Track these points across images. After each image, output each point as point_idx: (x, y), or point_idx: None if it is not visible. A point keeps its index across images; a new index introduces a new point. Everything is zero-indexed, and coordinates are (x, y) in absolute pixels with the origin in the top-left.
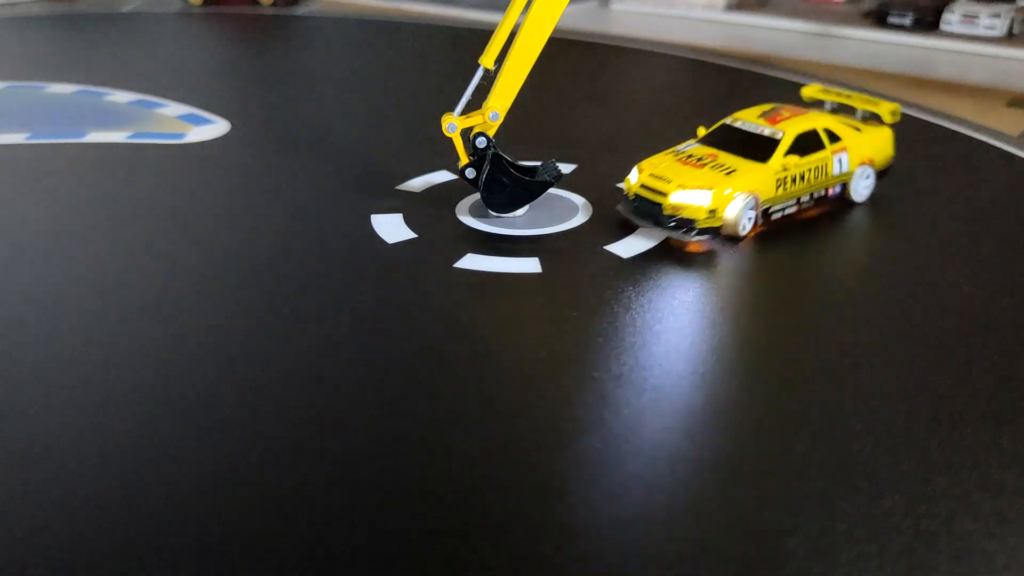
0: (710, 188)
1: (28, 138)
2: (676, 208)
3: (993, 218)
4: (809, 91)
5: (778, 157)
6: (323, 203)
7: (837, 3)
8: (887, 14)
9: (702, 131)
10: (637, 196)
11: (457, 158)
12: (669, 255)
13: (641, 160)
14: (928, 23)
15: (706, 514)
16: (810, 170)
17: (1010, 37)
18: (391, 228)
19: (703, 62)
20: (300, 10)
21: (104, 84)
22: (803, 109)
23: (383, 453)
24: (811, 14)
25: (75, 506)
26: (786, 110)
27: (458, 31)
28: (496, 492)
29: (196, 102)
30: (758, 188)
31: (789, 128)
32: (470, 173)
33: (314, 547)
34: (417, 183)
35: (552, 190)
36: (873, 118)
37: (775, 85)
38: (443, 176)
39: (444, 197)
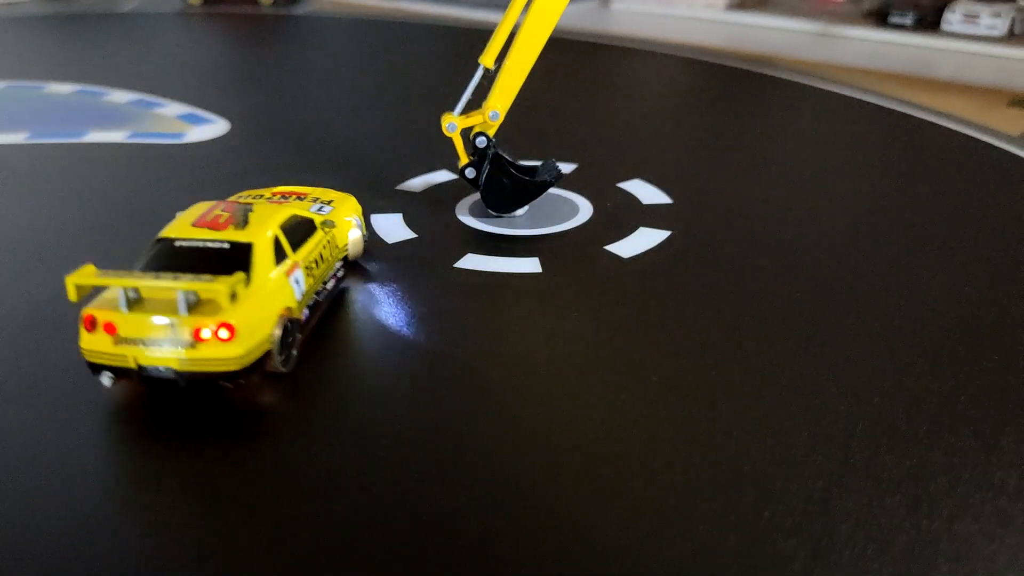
0: None
1: (28, 138)
2: None
3: (994, 218)
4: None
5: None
6: None
7: (838, 2)
8: (888, 13)
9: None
10: None
11: (457, 158)
12: (671, 255)
13: None
14: (929, 22)
15: (706, 516)
16: None
17: (1011, 37)
18: (391, 228)
19: (704, 62)
20: (300, 10)
21: (103, 84)
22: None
23: (379, 454)
24: (812, 13)
25: (74, 504)
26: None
27: (458, 31)
28: (495, 491)
29: (195, 102)
30: None
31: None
32: (470, 173)
33: (310, 545)
34: (417, 183)
35: (552, 190)
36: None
37: (776, 85)
38: (443, 176)
39: (444, 197)
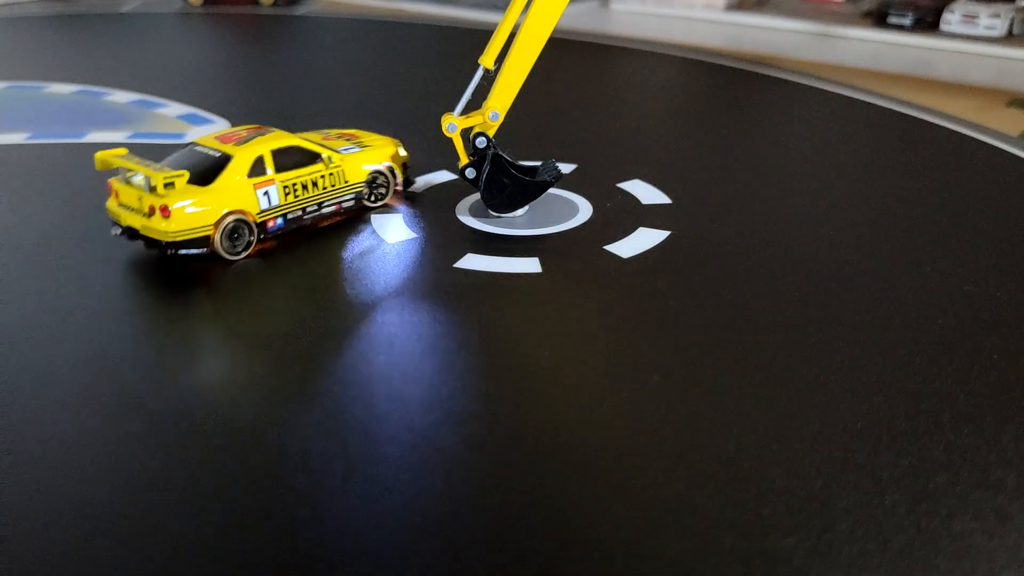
0: None
1: (28, 138)
2: None
3: (993, 218)
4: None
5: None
6: None
7: (837, 3)
8: (887, 14)
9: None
10: None
11: (457, 158)
12: (670, 255)
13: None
14: (928, 23)
15: (707, 513)
16: None
17: (1010, 37)
18: (391, 228)
19: (703, 62)
20: (300, 10)
21: (104, 84)
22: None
23: (381, 453)
24: (811, 14)
25: (81, 504)
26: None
27: (458, 31)
28: (497, 488)
29: (196, 102)
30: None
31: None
32: (470, 173)
33: (314, 544)
34: (417, 183)
35: (552, 190)
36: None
37: (775, 85)
38: (443, 176)
39: (444, 197)
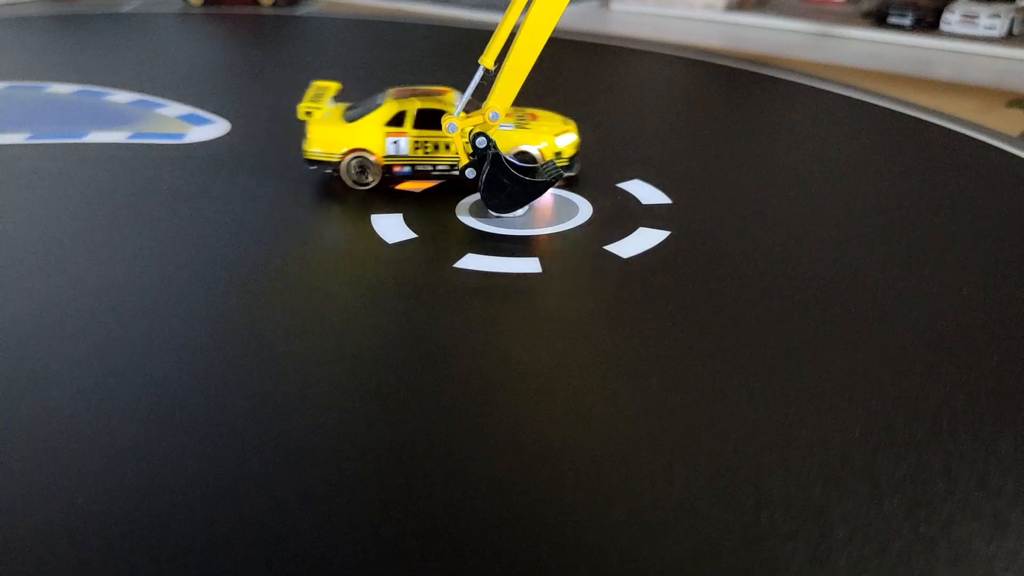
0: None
1: (28, 138)
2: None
3: (992, 219)
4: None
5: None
6: (323, 203)
7: (837, 3)
8: (887, 14)
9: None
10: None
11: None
12: (670, 255)
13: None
14: (928, 23)
15: (704, 518)
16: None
17: (1010, 37)
18: (391, 228)
19: (703, 62)
20: (300, 10)
21: (104, 84)
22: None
23: (382, 455)
24: (811, 14)
25: (78, 510)
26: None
27: (458, 31)
28: (495, 492)
29: (196, 102)
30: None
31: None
32: (470, 173)
33: (317, 550)
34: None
35: (552, 190)
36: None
37: (776, 85)
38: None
39: (444, 197)
